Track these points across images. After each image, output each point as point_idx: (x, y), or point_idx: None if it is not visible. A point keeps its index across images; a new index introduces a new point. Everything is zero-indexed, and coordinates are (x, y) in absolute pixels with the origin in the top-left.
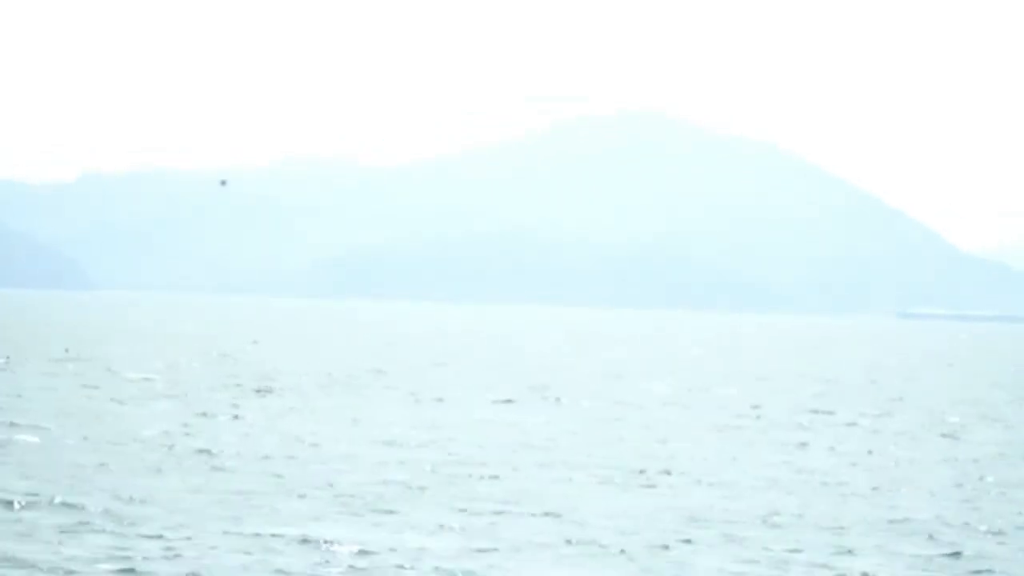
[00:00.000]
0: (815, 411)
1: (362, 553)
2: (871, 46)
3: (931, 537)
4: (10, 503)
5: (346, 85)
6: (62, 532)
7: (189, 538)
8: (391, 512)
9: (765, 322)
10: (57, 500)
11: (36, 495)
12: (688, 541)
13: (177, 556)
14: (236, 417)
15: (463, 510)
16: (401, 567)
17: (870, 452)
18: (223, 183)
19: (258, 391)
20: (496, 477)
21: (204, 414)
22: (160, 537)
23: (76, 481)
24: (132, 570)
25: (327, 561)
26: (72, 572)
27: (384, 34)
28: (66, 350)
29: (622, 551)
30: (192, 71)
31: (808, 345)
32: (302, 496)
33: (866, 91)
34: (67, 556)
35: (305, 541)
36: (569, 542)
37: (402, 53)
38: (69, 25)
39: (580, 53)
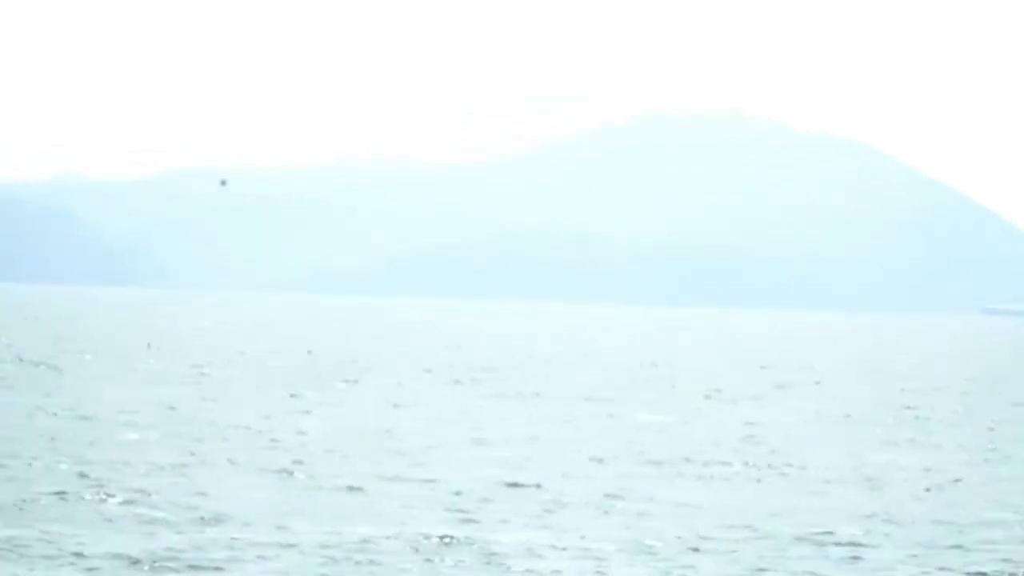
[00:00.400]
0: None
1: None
2: (958, 40)
3: None
4: (104, 500)
5: (404, 85)
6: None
7: (286, 537)
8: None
9: (849, 321)
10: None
11: (142, 491)
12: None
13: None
14: (321, 407)
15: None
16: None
17: None
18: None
19: (347, 381)
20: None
21: (304, 410)
22: (254, 535)
23: (169, 476)
24: (220, 569)
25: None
26: (164, 566)
27: (442, 34)
28: (148, 346)
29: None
30: (262, 73)
31: (928, 345)
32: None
33: (950, 86)
34: (159, 547)
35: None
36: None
37: (460, 51)
38: (150, 23)
39: (650, 49)
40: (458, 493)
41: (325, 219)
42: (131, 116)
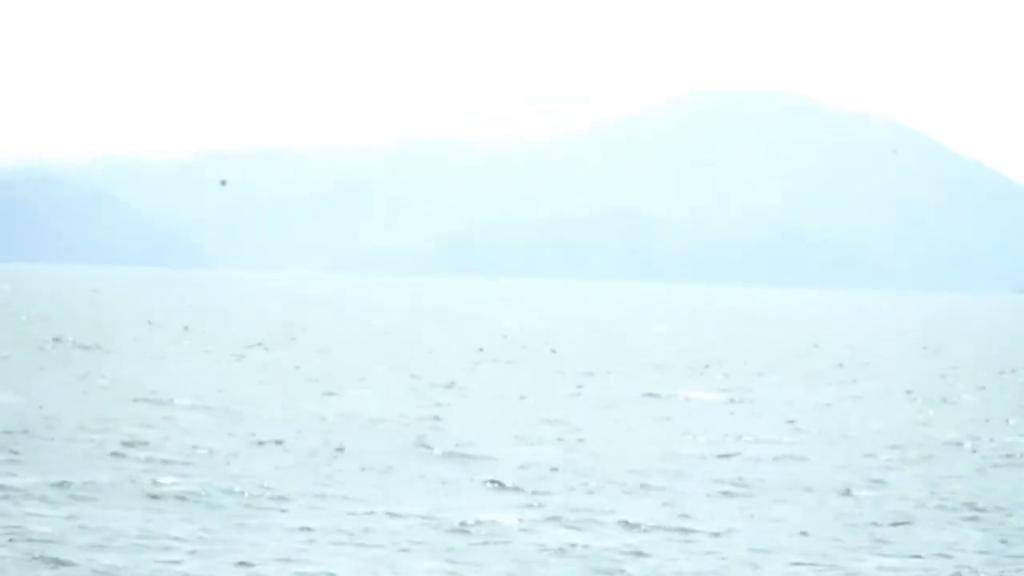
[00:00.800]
0: None
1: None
2: (995, 20)
3: None
4: (157, 496)
5: (460, 67)
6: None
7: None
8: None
9: (889, 300)
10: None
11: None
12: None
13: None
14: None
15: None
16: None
17: None
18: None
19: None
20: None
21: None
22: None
23: (210, 456)
24: (257, 544)
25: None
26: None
27: (499, 17)
28: (185, 327)
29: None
30: (311, 54)
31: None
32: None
33: (987, 65)
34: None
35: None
36: None
37: (514, 34)
38: (191, 5)
39: (690, 31)
40: (522, 467)
41: (367, 201)
42: (174, 98)
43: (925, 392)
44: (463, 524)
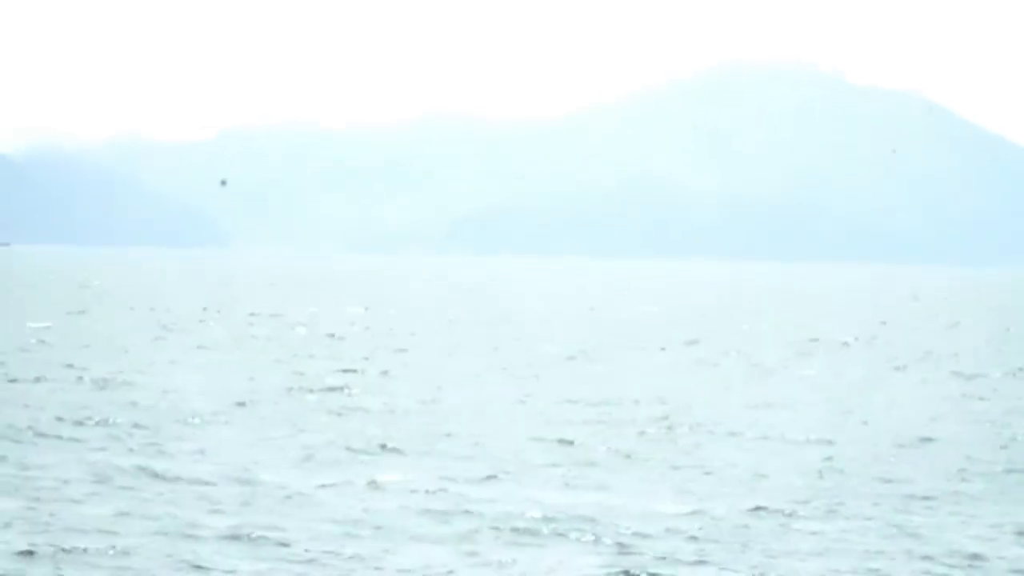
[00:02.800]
0: None
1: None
2: None
3: None
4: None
5: (479, 40)
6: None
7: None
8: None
9: (911, 274)
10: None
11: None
12: None
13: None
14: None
15: None
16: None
17: None
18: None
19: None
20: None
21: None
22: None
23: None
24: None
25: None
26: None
27: None
28: (204, 309)
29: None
30: (329, 30)
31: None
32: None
33: (1009, 39)
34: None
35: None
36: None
37: (534, 7)
38: None
39: (713, 4)
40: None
41: (389, 178)
42: (190, 76)
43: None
44: None
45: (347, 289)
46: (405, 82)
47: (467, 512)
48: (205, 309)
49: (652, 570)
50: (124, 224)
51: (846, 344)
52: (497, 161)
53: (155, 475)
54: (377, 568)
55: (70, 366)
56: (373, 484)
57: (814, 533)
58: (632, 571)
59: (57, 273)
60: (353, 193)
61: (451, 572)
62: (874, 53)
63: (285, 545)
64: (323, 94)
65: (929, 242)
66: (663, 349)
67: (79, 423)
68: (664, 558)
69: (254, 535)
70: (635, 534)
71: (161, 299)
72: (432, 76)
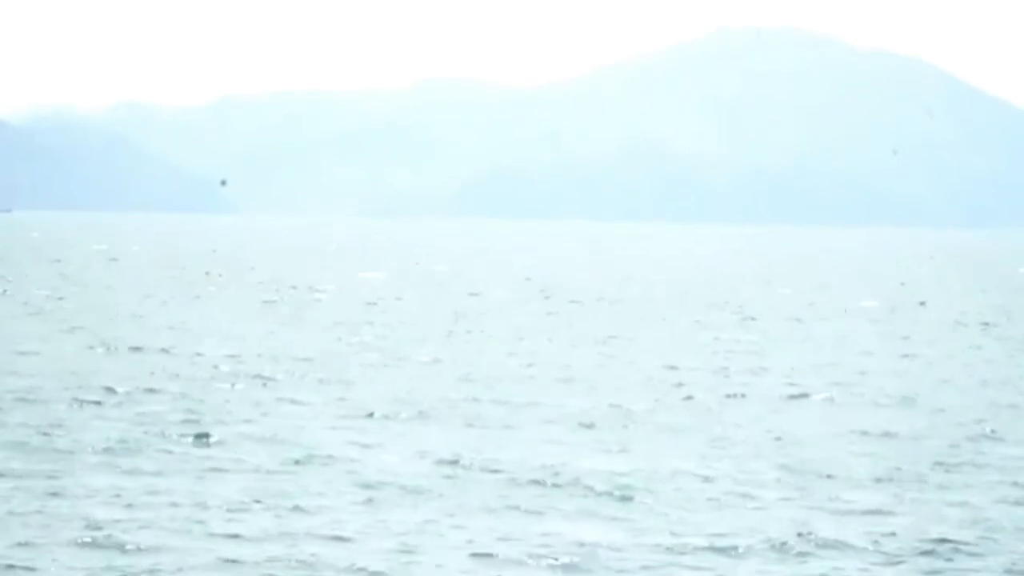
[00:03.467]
0: None
1: None
2: None
3: None
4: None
5: (484, 3)
6: None
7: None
8: None
9: (919, 238)
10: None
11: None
12: None
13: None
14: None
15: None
16: None
17: None
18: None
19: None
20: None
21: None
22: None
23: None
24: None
25: None
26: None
27: None
28: (207, 273)
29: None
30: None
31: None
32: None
33: (1010, 2)
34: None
35: None
36: None
37: None
38: None
39: None
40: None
41: (394, 143)
42: (193, 42)
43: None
44: None
45: (373, 254)
46: (409, 46)
47: (505, 476)
48: (220, 275)
49: None
50: (130, 191)
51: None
52: (503, 125)
53: (200, 439)
54: (436, 535)
55: (94, 335)
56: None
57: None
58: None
59: (65, 239)
60: (360, 158)
61: (503, 537)
62: (873, 17)
63: (313, 512)
64: (327, 58)
65: (934, 205)
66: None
67: (115, 391)
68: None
69: (285, 503)
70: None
71: (179, 265)
72: (436, 40)
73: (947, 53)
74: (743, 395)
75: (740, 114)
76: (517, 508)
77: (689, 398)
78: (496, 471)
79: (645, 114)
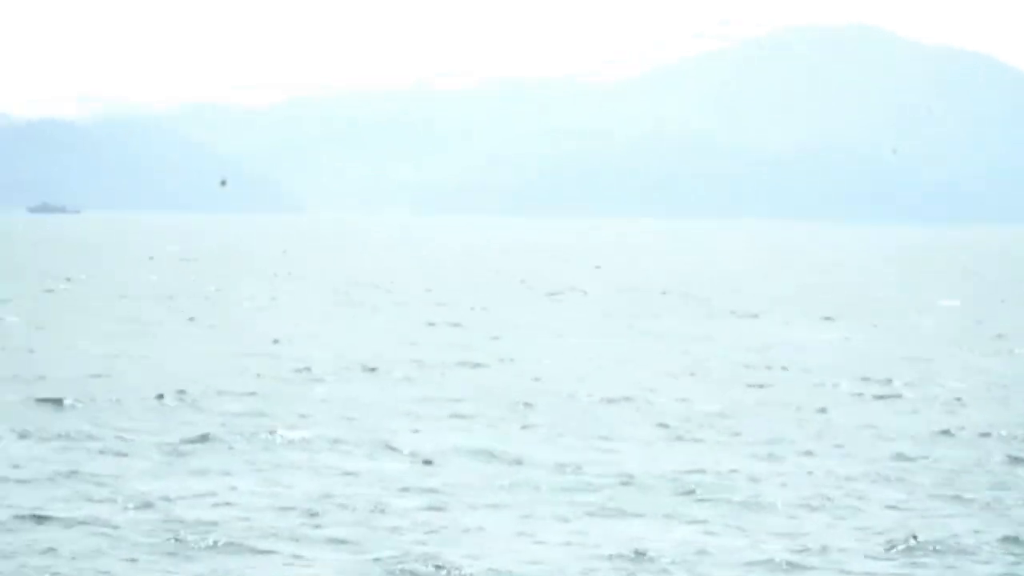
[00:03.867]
0: None
1: None
2: None
3: None
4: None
5: (534, 4)
6: None
7: None
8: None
9: (987, 235)
10: None
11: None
12: None
13: None
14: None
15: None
16: None
17: None
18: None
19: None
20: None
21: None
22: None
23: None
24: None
25: None
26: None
27: None
28: (276, 272)
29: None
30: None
31: None
32: None
33: None
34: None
35: None
36: None
37: None
38: None
39: None
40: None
41: (453, 140)
42: (259, 42)
43: None
44: None
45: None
46: (465, 48)
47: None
48: (286, 274)
49: None
50: (196, 191)
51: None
52: (551, 123)
53: (281, 436)
54: (509, 536)
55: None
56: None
57: None
58: None
59: (139, 240)
60: (417, 156)
61: (582, 534)
62: (937, 13)
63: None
64: (384, 59)
65: (1001, 203)
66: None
67: (210, 391)
68: None
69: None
70: None
71: (265, 265)
72: (490, 42)
73: (1015, 49)
74: (834, 390)
75: (799, 112)
76: (606, 509)
77: (780, 398)
78: (573, 472)
79: (692, 111)
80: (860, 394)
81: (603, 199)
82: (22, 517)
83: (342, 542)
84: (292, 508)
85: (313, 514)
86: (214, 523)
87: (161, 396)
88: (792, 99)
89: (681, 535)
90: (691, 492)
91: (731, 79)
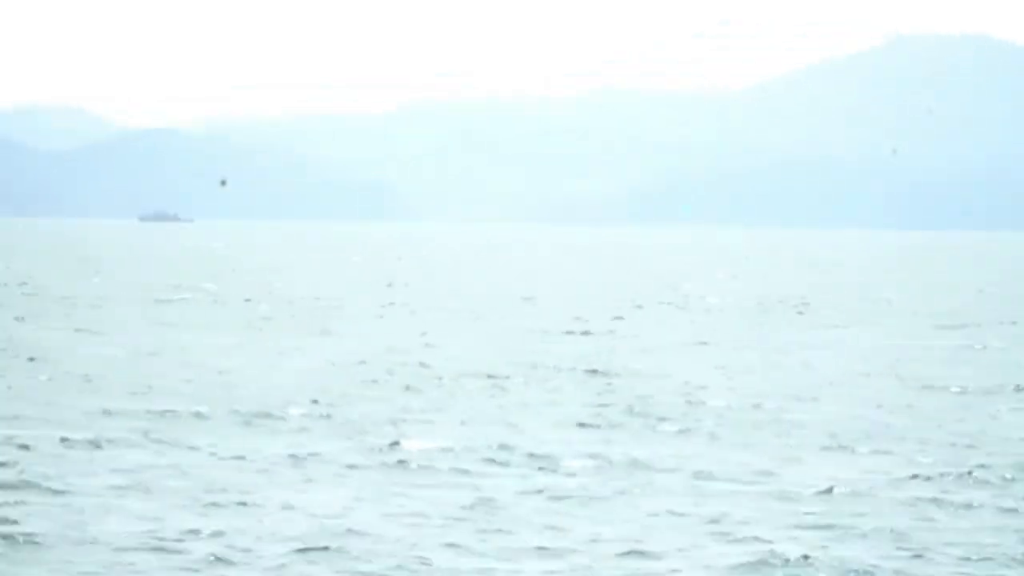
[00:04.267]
0: None
1: None
2: None
3: None
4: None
5: (656, 14)
6: None
7: None
8: None
9: None
10: None
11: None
12: None
13: None
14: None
15: None
16: None
17: None
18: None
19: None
20: None
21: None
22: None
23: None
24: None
25: None
26: None
27: None
28: (390, 286)
29: None
30: (505, 5)
31: None
32: None
33: None
34: None
35: None
36: None
37: None
38: None
39: None
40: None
41: (570, 150)
42: (371, 50)
43: None
44: None
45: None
46: (579, 55)
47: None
48: (402, 284)
49: None
50: (307, 199)
51: None
52: (670, 133)
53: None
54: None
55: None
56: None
57: None
58: None
59: (250, 247)
60: (530, 165)
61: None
62: None
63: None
64: (497, 68)
65: None
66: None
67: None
68: None
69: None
70: None
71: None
72: (605, 49)
73: None
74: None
75: (917, 122)
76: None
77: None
78: (697, 478)
79: (818, 122)
80: (1017, 408)
81: (712, 209)
82: (162, 535)
83: (459, 547)
84: (424, 516)
85: (444, 520)
86: (351, 531)
87: (290, 406)
88: (896, 111)
89: (809, 540)
90: (830, 501)
91: (838, 90)
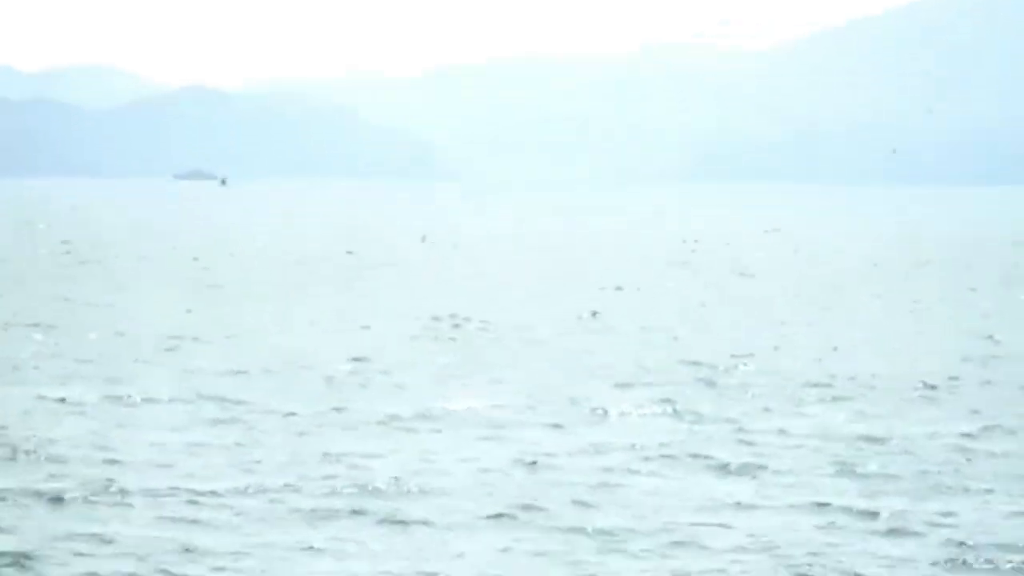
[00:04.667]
0: None
1: None
2: None
3: None
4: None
5: (650, 10)
6: None
7: None
8: None
9: None
10: None
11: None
12: None
13: None
14: None
15: None
16: None
17: None
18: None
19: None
20: None
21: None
22: None
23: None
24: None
25: None
26: None
27: None
28: (423, 238)
29: None
30: None
31: None
32: None
33: None
34: None
35: None
36: None
37: None
38: None
39: None
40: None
41: (614, 112)
42: (415, 11)
43: None
44: None
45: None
46: (623, 13)
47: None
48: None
49: None
50: (354, 158)
51: None
52: (725, 91)
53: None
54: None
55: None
56: None
57: None
58: None
59: (305, 207)
60: (582, 126)
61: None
62: None
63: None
64: (546, 26)
65: None
66: None
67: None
68: None
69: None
70: None
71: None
72: (652, 6)
73: None
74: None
75: (960, 83)
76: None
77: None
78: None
79: (866, 79)
80: None
81: (766, 167)
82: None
83: (509, 517)
84: (490, 474)
85: (514, 486)
86: (424, 493)
87: (344, 367)
88: (942, 71)
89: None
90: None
91: (859, 53)
